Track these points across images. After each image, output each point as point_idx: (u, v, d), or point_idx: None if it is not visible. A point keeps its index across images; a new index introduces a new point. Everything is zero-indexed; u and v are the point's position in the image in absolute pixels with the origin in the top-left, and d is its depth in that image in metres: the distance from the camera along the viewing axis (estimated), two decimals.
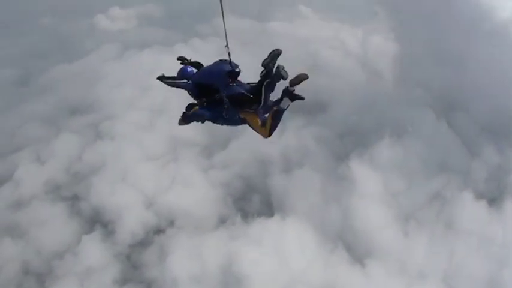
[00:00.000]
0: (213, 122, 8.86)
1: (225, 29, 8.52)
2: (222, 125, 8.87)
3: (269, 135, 8.20)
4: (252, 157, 46.97)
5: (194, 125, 33.80)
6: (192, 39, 69.73)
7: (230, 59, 8.43)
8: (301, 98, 8.15)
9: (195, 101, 8.98)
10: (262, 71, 8.10)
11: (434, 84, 46.53)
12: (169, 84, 9.33)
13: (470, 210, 37.60)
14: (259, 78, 8.21)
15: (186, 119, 9.08)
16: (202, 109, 8.70)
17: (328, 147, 47.93)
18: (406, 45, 49.80)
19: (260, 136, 8.39)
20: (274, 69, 7.92)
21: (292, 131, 49.88)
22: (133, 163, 47.21)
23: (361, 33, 68.54)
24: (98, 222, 43.60)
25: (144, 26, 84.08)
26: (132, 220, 43.54)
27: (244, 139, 46.74)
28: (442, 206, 39.31)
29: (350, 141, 47.89)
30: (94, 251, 42.00)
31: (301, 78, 7.94)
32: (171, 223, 43.08)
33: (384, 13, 55.22)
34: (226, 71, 8.34)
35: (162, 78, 9.50)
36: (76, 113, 56.43)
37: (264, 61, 8.02)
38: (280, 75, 7.74)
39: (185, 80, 8.77)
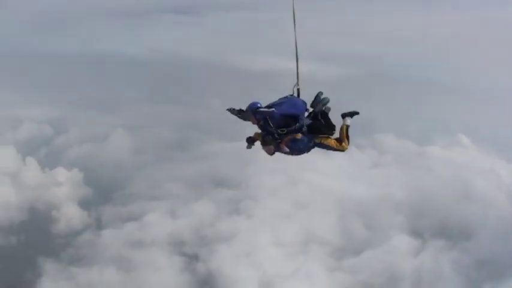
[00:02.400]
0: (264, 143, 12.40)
1: (297, 68, 12.51)
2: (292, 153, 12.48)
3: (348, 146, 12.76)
4: (383, 269, 60.83)
5: (332, 225, 54.79)
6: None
7: (298, 95, 12.54)
8: (357, 113, 13.16)
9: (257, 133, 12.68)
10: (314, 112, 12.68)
11: None
12: (240, 115, 12.28)
13: None
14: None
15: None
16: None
17: (463, 274, 60.23)
18: None
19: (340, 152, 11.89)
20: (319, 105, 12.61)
21: (431, 253, 64.49)
22: (262, 244, 64.22)
23: None
24: (208, 285, 59.72)
25: None
26: None
27: (381, 250, 63.68)
28: None
29: (487, 271, 59.54)
30: None
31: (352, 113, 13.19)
32: None
33: None
34: (305, 103, 12.44)
35: (233, 111, 12.36)
36: (221, 186, 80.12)
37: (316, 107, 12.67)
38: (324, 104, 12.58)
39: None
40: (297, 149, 12.43)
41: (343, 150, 12.91)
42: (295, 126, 12.01)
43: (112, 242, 67.50)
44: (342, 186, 79.17)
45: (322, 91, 12.76)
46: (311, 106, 12.64)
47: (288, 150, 12.28)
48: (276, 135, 12.04)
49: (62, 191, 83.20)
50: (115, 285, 59.46)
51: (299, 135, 12.21)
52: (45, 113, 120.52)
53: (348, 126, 13.04)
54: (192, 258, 64.87)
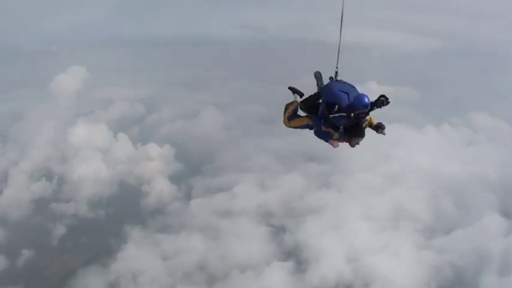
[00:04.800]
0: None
1: (338, 51, 13.37)
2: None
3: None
4: (472, 249, 64.66)
5: (423, 202, 60.40)
6: (443, 124, 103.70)
7: (336, 77, 13.49)
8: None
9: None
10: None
11: None
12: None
13: None
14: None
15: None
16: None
17: None
18: None
19: None
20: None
21: None
22: (351, 218, 70.35)
23: None
24: (294, 255, 66.40)
25: (397, 104, 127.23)
26: (328, 267, 62.84)
27: (471, 230, 67.88)
28: None
29: None
30: (278, 278, 62.82)
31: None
32: (366, 285, 61.80)
33: None
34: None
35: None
36: (312, 161, 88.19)
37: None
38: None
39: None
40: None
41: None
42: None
43: (200, 211, 77.20)
44: (434, 163, 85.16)
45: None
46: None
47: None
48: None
49: (153, 166, 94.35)
50: (201, 252, 68.08)
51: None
52: (138, 93, 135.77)
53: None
54: (279, 230, 72.74)
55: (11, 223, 77.59)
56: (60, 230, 76.62)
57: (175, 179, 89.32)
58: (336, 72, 13.43)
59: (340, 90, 12.94)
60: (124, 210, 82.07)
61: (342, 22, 13.50)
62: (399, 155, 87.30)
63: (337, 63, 13.35)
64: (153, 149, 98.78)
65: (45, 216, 79.88)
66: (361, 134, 13.01)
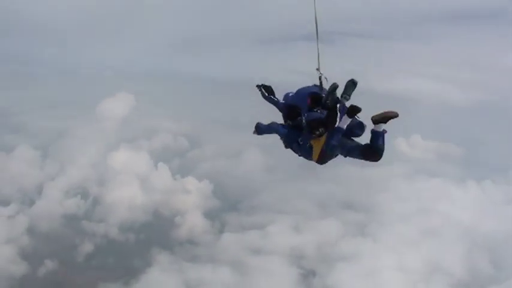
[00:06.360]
0: (288, 146, 11.70)
1: (318, 54, 11.73)
2: (296, 153, 11.58)
3: (317, 161, 10.92)
4: None
5: (458, 257, 62.21)
6: (485, 181, 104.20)
7: (321, 83, 11.55)
8: (359, 109, 10.37)
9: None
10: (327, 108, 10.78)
11: None
12: (265, 96, 12.55)
13: None
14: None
15: (259, 129, 12.09)
16: (280, 126, 11.60)
17: None
18: None
19: None
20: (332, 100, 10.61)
21: None
22: (384, 268, 71.41)
23: None
24: None
25: (439, 160, 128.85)
26: None
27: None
28: None
29: None
30: None
31: (388, 115, 10.20)
32: None
33: None
34: (310, 92, 11.33)
35: (262, 87, 12.48)
36: (349, 209, 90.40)
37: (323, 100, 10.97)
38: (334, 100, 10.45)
39: (277, 99, 12.01)
40: (293, 150, 11.80)
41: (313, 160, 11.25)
42: (298, 120, 11.49)
43: (231, 245, 78.84)
44: (473, 219, 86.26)
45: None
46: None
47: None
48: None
49: (190, 199, 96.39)
50: (226, 286, 69.80)
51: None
52: (183, 127, 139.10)
53: (335, 130, 10.82)
54: (309, 273, 73.98)
55: (39, 233, 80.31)
56: (87, 247, 78.87)
57: (209, 215, 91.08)
58: (320, 78, 11.74)
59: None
60: (154, 238, 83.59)
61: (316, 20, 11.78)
62: (439, 209, 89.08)
63: (318, 67, 11.70)
64: (191, 182, 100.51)
65: (75, 232, 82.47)
66: None
